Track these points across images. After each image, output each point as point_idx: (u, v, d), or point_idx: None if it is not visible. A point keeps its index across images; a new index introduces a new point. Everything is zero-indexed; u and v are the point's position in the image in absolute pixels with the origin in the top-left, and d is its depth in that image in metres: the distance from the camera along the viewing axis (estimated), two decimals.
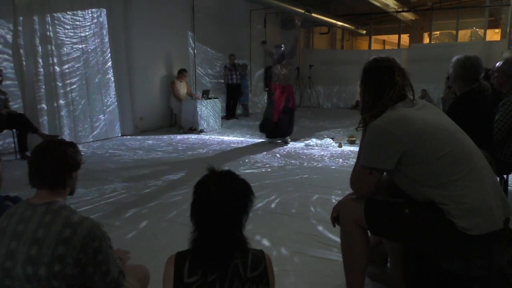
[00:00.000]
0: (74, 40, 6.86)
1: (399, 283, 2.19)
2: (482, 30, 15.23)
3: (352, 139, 6.97)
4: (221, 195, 1.27)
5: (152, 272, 1.89)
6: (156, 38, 8.53)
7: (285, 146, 6.69)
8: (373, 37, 17.92)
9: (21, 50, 6.08)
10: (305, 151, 6.39)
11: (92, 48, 7.17)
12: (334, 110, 13.35)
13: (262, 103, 12.56)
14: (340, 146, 6.66)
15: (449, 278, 1.85)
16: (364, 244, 1.90)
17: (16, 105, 6.02)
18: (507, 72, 3.22)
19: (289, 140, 6.97)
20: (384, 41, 21.29)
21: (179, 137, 7.74)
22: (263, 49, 7.44)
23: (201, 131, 8.17)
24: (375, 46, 19.09)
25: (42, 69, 6.31)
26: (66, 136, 6.58)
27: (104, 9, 7.38)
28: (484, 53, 10.72)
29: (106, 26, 7.43)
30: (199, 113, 8.16)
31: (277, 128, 6.79)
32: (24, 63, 6.14)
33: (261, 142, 7.09)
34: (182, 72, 8.71)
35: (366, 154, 1.84)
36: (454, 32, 15.98)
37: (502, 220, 1.72)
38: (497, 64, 3.33)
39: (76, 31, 6.88)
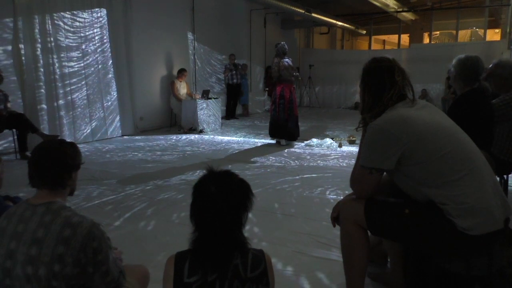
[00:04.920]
0: (74, 40, 6.86)
1: (399, 283, 2.19)
2: (482, 30, 15.23)
3: (352, 139, 6.97)
4: (220, 195, 1.27)
5: (152, 272, 1.89)
6: (156, 38, 8.53)
7: (285, 146, 6.68)
8: (373, 37, 17.92)
9: (21, 50, 6.09)
10: (305, 151, 6.38)
11: (92, 48, 7.17)
12: (334, 110, 13.35)
13: (263, 103, 12.59)
14: (340, 146, 6.66)
15: (449, 278, 1.85)
16: (364, 244, 1.90)
17: (16, 105, 6.02)
18: (502, 74, 3.20)
19: (295, 143, 6.93)
20: (384, 41, 21.29)
21: (179, 137, 7.74)
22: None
23: (201, 131, 8.16)
24: (375, 46, 19.08)
25: (42, 69, 6.31)
26: (66, 136, 6.58)
27: (104, 9, 7.38)
28: (484, 53, 10.70)
29: (106, 26, 7.43)
30: (199, 113, 8.16)
31: (286, 130, 6.74)
32: (24, 63, 6.14)
33: (267, 143, 7.05)
34: (182, 72, 8.70)
35: (366, 154, 1.84)
36: (454, 32, 15.98)
37: (502, 220, 1.72)
38: (490, 66, 3.30)
39: (76, 31, 6.89)
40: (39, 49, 6.25)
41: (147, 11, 8.24)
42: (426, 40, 17.80)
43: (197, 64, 9.96)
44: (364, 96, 1.92)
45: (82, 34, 6.97)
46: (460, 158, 1.73)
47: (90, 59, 7.14)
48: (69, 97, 6.77)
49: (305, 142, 6.89)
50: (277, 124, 6.73)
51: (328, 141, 6.86)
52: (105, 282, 1.44)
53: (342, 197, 2.24)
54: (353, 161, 5.04)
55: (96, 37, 7.25)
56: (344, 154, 6.15)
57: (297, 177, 4.78)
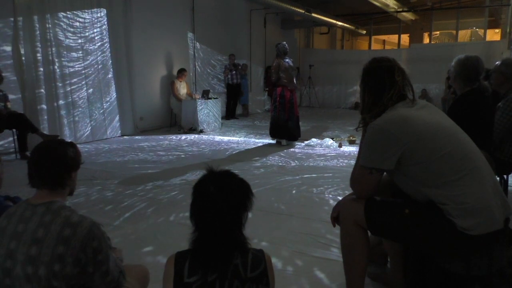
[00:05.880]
0: (74, 41, 6.86)
1: (399, 283, 2.19)
2: (482, 30, 15.23)
3: (352, 139, 6.97)
4: (220, 195, 1.27)
5: (152, 272, 1.89)
6: (156, 38, 8.53)
7: (285, 146, 6.68)
8: (373, 37, 17.92)
9: (21, 50, 6.08)
10: (305, 151, 6.38)
11: (92, 48, 7.17)
12: (334, 110, 13.35)
13: (264, 104, 12.59)
14: (340, 146, 6.66)
15: (449, 278, 1.85)
16: (364, 244, 1.90)
17: (16, 105, 6.02)
18: (505, 73, 3.21)
19: (295, 143, 6.92)
20: (384, 41, 21.29)
21: (179, 137, 7.74)
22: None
23: (201, 131, 8.16)
24: (375, 46, 19.08)
25: (42, 69, 6.31)
26: (66, 136, 6.59)
27: (104, 9, 7.38)
28: (484, 53, 10.71)
29: (106, 26, 7.43)
30: (199, 113, 8.16)
31: (287, 130, 6.73)
32: (24, 63, 6.14)
33: (268, 143, 7.04)
34: (181, 72, 8.70)
35: (366, 154, 1.84)
36: (454, 32, 15.98)
37: (502, 220, 1.72)
38: (496, 63, 3.34)
39: (76, 31, 6.89)
40: (39, 49, 6.25)
41: (147, 11, 8.24)
42: (426, 40, 17.80)
43: (197, 64, 9.96)
44: (364, 96, 1.92)
45: (82, 34, 6.97)
46: (460, 158, 1.73)
47: (90, 59, 7.14)
48: (69, 97, 6.77)
49: (305, 142, 6.89)
50: (278, 124, 6.73)
51: (328, 141, 6.86)
52: (105, 282, 1.44)
53: (342, 197, 2.23)
54: (353, 161, 5.04)
55: (96, 37, 7.24)
56: (344, 154, 6.15)
57: (297, 177, 4.77)
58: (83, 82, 7.02)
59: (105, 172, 4.97)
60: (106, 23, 7.42)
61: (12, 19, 5.98)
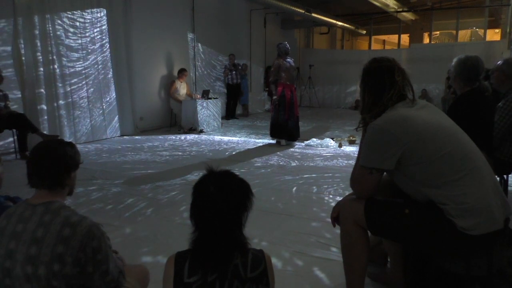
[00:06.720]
0: (74, 41, 6.86)
1: (399, 283, 2.19)
2: (482, 30, 15.24)
3: (352, 139, 6.97)
4: (220, 195, 1.27)
5: (152, 272, 1.89)
6: (156, 38, 8.53)
7: (285, 146, 6.68)
8: (373, 37, 17.92)
9: (21, 50, 6.08)
10: (305, 151, 6.38)
11: (92, 48, 7.17)
12: (334, 110, 13.35)
13: (263, 104, 12.59)
14: (340, 146, 6.66)
15: (449, 278, 1.85)
16: (364, 244, 1.90)
17: (16, 106, 6.02)
18: (506, 72, 3.22)
19: (295, 143, 6.92)
20: (384, 41, 21.29)
21: (179, 137, 7.74)
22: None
23: (201, 131, 8.16)
24: (375, 46, 19.08)
25: (42, 69, 6.31)
26: (66, 136, 6.58)
27: (104, 9, 7.38)
28: (484, 53, 10.72)
29: (106, 26, 7.43)
30: (199, 113, 8.16)
31: (286, 131, 6.73)
32: (24, 63, 6.14)
33: (268, 143, 7.04)
34: (182, 72, 8.70)
35: (366, 154, 1.84)
36: (454, 32, 15.99)
37: (502, 220, 1.72)
38: (498, 63, 3.34)
39: (76, 31, 6.89)
40: (39, 49, 6.25)
41: (147, 11, 8.24)
42: (426, 40, 17.80)
43: (197, 64, 9.96)
44: (364, 96, 1.92)
45: (82, 34, 6.97)
46: (460, 158, 1.73)
47: (90, 59, 7.14)
48: (69, 97, 6.77)
49: (305, 142, 6.89)
50: (278, 124, 6.73)
51: (328, 141, 6.86)
52: (104, 281, 1.44)
53: (342, 197, 2.23)
54: (353, 161, 5.04)
55: (96, 37, 7.24)
56: (344, 154, 6.15)
57: (297, 177, 4.77)
58: (83, 82, 7.02)
59: (105, 172, 4.96)
60: (106, 23, 7.42)
61: (12, 19, 5.98)
